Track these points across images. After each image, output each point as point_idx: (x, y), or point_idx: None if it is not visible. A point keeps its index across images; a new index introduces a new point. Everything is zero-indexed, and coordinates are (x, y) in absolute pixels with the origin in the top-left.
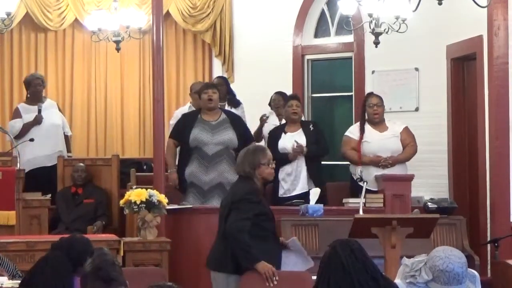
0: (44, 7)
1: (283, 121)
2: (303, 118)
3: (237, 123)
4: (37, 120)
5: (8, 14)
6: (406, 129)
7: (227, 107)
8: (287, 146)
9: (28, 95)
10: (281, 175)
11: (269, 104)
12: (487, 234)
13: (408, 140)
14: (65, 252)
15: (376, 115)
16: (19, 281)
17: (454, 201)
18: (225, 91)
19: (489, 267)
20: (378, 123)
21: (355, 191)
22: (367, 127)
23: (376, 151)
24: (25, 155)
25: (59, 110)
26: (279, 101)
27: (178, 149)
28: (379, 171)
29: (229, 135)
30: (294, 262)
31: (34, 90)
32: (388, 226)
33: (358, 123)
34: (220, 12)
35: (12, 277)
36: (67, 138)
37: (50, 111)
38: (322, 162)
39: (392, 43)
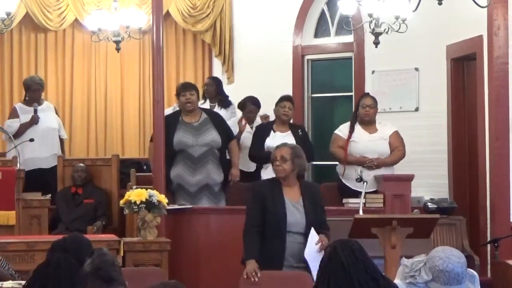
0: (44, 7)
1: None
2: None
3: (218, 122)
4: (34, 120)
5: (8, 14)
6: (396, 133)
7: (217, 108)
8: (275, 145)
9: (27, 98)
10: (264, 173)
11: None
12: (487, 234)
13: (396, 144)
14: (73, 253)
15: (367, 116)
16: (20, 282)
17: (454, 201)
18: (214, 91)
19: (489, 267)
20: (369, 124)
21: (343, 191)
22: (357, 127)
23: (363, 151)
24: (23, 156)
25: (56, 113)
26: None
27: None
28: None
29: (213, 136)
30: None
31: (33, 94)
32: (388, 226)
33: (349, 122)
34: (220, 12)
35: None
36: (61, 142)
37: (47, 114)
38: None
39: (392, 43)
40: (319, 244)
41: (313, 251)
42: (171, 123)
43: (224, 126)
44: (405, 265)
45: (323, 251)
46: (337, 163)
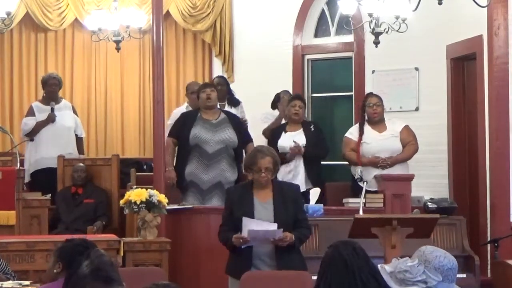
0: (44, 7)
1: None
2: (306, 119)
3: (237, 123)
4: (50, 119)
5: (8, 14)
6: (406, 128)
7: (226, 107)
8: (286, 145)
9: (44, 95)
10: (279, 174)
11: (274, 103)
12: (487, 234)
13: (408, 139)
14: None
15: (375, 114)
16: (20, 282)
17: (454, 201)
18: (225, 90)
19: (489, 267)
20: (378, 123)
21: (357, 191)
22: (367, 127)
23: (375, 151)
24: (34, 156)
25: (74, 111)
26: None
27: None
28: (380, 171)
29: (230, 134)
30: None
31: (50, 90)
32: (388, 226)
33: (358, 124)
34: (220, 12)
35: (4, 274)
36: (80, 140)
37: (64, 112)
38: (322, 162)
39: (392, 43)
40: (277, 237)
41: (261, 235)
42: (188, 119)
43: (241, 128)
44: (405, 271)
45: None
46: (342, 162)
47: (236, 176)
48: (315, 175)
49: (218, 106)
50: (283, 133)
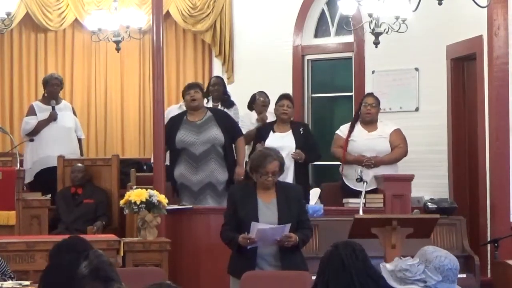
0: (44, 7)
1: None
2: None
3: (222, 119)
4: (52, 117)
5: (8, 14)
6: (397, 131)
7: (220, 108)
8: (274, 146)
9: (45, 94)
10: None
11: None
12: (487, 234)
13: (397, 142)
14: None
15: (368, 114)
16: (20, 282)
17: (454, 201)
18: (221, 91)
19: (489, 267)
20: (370, 123)
21: (344, 190)
22: (358, 126)
23: (361, 150)
24: (38, 155)
25: (74, 113)
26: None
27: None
28: (366, 171)
29: (214, 132)
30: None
31: (52, 89)
32: (388, 226)
33: (350, 122)
34: (220, 12)
35: (2, 275)
36: (79, 141)
37: (64, 113)
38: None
39: (392, 43)
40: (283, 236)
41: (270, 233)
42: (175, 123)
43: (229, 123)
44: (405, 269)
45: (276, 241)
46: (339, 163)
47: (227, 176)
48: (302, 177)
49: (213, 107)
50: (271, 132)
